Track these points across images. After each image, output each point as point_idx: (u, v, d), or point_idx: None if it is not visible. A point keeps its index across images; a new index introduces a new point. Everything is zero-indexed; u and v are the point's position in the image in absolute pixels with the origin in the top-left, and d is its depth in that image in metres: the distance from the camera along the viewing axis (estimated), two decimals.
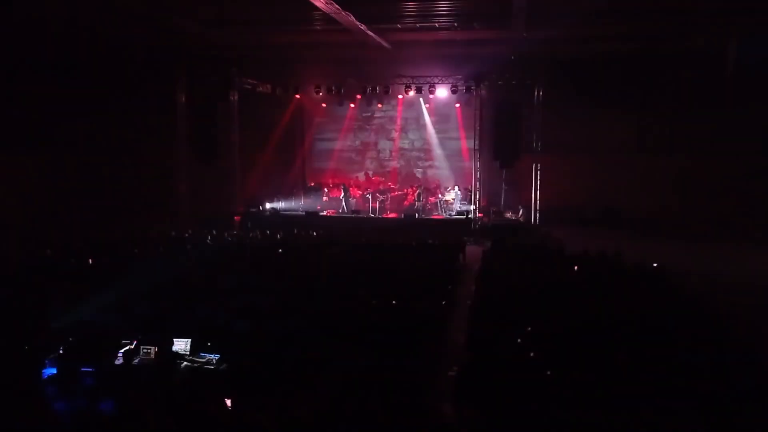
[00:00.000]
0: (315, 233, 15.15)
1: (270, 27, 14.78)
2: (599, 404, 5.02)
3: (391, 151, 21.45)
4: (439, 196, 18.66)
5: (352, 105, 20.74)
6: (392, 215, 18.04)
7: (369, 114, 21.65)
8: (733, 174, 16.84)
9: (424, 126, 21.06)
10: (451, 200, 18.15)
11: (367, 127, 21.82)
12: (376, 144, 21.67)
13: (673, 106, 17.15)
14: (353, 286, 8.99)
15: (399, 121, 21.46)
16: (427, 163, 20.92)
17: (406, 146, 21.37)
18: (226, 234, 15.25)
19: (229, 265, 10.83)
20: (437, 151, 20.76)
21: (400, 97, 20.12)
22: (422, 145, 21.27)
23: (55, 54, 17.37)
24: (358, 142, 21.84)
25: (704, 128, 16.93)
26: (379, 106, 20.75)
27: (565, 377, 5.46)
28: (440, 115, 20.49)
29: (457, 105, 19.65)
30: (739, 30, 15.56)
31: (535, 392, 5.19)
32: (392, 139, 21.53)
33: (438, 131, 20.74)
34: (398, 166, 21.20)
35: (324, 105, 20.85)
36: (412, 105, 20.92)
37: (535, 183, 17.12)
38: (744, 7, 13.09)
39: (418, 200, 18.24)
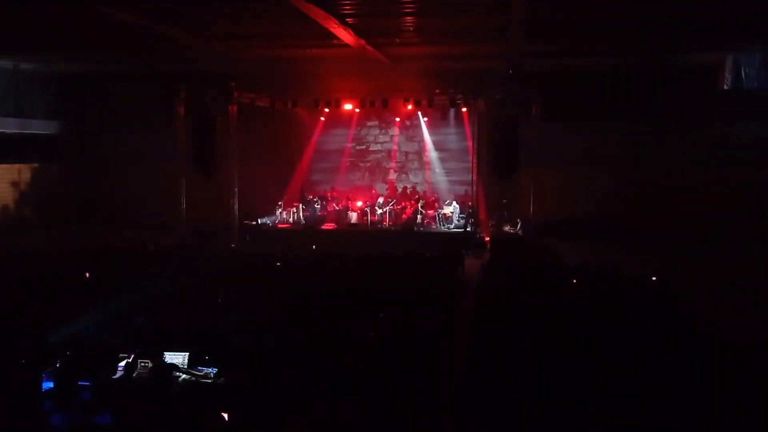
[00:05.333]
0: (314, 246, 15.12)
1: (269, 41, 14.88)
2: (600, 417, 5.00)
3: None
4: (438, 209, 18.65)
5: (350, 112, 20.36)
6: (391, 228, 18.02)
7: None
8: (730, 186, 16.92)
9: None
10: (450, 213, 18.15)
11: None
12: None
13: (670, 119, 17.25)
14: (352, 299, 8.97)
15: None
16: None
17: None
18: (224, 247, 15.23)
19: (228, 279, 10.80)
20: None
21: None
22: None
23: (56, 67, 17.49)
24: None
25: (701, 141, 17.05)
26: (377, 120, 20.62)
27: (565, 391, 5.44)
28: (437, 128, 19.95)
29: (455, 119, 19.71)
30: (735, 45, 15.71)
31: (535, 406, 5.17)
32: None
33: (438, 150, 19.40)
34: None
35: (322, 118, 20.86)
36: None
37: (533, 196, 17.15)
38: (740, 23, 13.21)
39: (418, 213, 18.23)
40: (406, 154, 20.36)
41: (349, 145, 20.60)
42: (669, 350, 6.60)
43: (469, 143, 19.03)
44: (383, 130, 20.47)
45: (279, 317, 8.09)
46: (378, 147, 20.49)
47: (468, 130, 19.23)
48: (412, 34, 14.29)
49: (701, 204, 16.96)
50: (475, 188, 17.38)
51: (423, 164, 20.17)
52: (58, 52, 16.74)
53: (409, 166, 20.29)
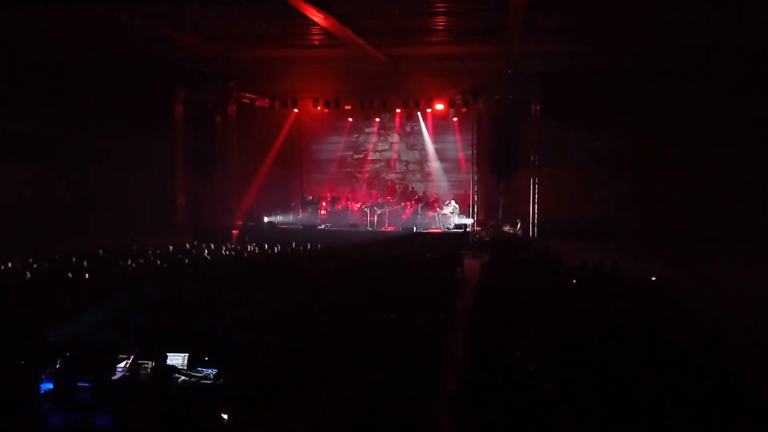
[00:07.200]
0: (313, 246, 15.13)
1: (268, 41, 14.87)
2: (599, 417, 5.00)
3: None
4: (438, 209, 18.66)
5: (348, 120, 20.28)
6: (390, 229, 18.03)
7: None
8: (730, 186, 16.92)
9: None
10: (449, 213, 18.16)
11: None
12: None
13: (670, 120, 17.25)
14: (351, 299, 8.97)
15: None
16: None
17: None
18: (223, 247, 15.23)
19: (227, 279, 10.80)
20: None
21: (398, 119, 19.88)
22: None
23: (55, 68, 17.48)
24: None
25: (700, 142, 17.05)
26: (377, 120, 20.54)
27: (564, 391, 5.44)
28: (439, 133, 19.82)
29: (455, 119, 19.70)
30: (732, 46, 15.70)
31: (534, 406, 5.17)
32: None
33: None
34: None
35: (322, 117, 20.83)
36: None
37: (533, 196, 17.16)
38: (737, 25, 13.22)
39: (418, 214, 18.23)
40: (407, 163, 20.01)
41: (347, 154, 20.39)
42: (668, 351, 6.61)
43: (461, 154, 19.05)
44: (382, 137, 20.23)
45: (279, 317, 8.09)
46: (377, 156, 20.15)
47: (459, 137, 19.13)
48: (412, 33, 14.28)
49: (701, 204, 16.96)
50: (474, 188, 17.39)
51: (425, 175, 19.79)
52: (57, 52, 16.72)
53: (410, 177, 19.83)
